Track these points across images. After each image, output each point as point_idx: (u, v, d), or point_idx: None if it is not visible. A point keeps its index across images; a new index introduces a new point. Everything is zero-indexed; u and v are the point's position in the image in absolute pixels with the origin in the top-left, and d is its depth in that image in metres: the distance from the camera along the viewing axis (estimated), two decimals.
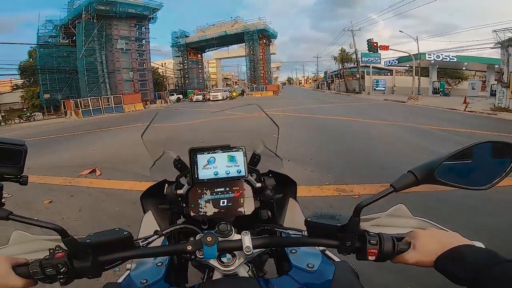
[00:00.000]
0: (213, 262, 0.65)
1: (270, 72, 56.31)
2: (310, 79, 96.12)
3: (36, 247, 0.67)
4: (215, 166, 0.85)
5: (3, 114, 23.80)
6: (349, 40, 37.37)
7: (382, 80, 36.37)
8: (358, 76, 37.67)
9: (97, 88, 25.56)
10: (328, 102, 23.33)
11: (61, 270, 0.53)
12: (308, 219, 0.61)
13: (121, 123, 14.11)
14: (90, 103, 21.99)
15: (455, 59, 28.62)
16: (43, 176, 4.83)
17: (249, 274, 0.74)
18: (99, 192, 4.06)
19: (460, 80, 34.77)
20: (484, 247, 0.52)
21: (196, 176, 0.84)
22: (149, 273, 0.71)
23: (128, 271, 0.76)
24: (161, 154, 1.07)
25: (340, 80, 45.79)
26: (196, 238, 0.65)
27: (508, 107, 13.71)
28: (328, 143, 6.97)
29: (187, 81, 46.63)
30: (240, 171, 0.86)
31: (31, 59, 28.34)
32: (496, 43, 15.38)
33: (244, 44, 48.56)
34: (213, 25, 50.80)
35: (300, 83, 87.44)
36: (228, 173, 0.85)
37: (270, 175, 0.99)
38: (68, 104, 22.16)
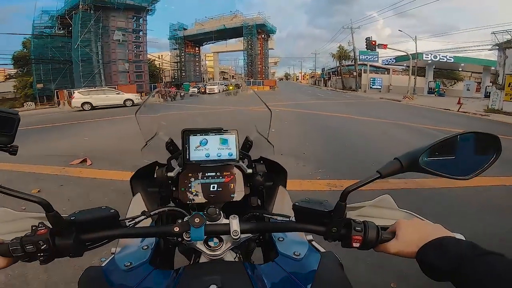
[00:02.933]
0: (200, 246, 0.65)
1: (268, 67, 56.13)
2: (307, 75, 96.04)
3: (20, 225, 0.65)
4: (207, 148, 0.85)
5: None
6: (346, 38, 37.55)
7: (378, 79, 36.59)
8: (355, 73, 37.77)
9: (91, 79, 25.24)
10: (325, 98, 23.39)
11: (42, 248, 0.52)
12: (296, 203, 0.61)
13: (114, 114, 13.91)
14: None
15: (452, 60, 28.83)
16: (33, 166, 4.76)
17: (235, 260, 0.74)
18: (89, 181, 4.02)
19: (455, 81, 35.04)
20: (464, 238, 0.52)
21: (187, 157, 0.84)
22: (134, 256, 0.69)
23: (113, 255, 0.74)
24: (154, 134, 1.05)
25: (337, 77, 45.83)
26: (184, 220, 0.63)
27: (501, 109, 13.90)
28: (322, 138, 7.01)
29: (183, 74, 46.16)
30: (232, 154, 0.86)
31: (25, 50, 27.81)
32: (494, 45, 15.49)
33: (242, 38, 48.20)
34: (212, 18, 50.36)
35: (297, 79, 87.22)
36: (219, 156, 0.85)
37: (262, 161, 0.99)
38: (61, 94, 21.81)
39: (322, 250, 0.76)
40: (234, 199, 0.87)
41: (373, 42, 27.81)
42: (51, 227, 0.53)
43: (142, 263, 0.66)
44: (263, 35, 49.08)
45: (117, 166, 4.65)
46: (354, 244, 0.57)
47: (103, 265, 0.68)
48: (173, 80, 44.73)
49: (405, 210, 0.72)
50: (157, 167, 0.94)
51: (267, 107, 1.13)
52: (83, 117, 13.48)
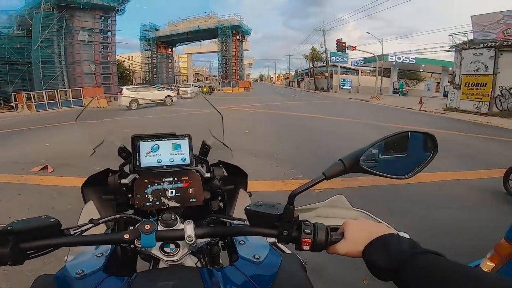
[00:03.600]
0: (155, 252, 0.64)
1: (243, 69, 56.08)
2: (281, 76, 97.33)
3: None
4: (159, 153, 0.83)
5: None
6: (319, 40, 38.49)
7: (348, 80, 37.96)
8: (327, 74, 38.80)
9: (53, 81, 23.52)
10: (298, 99, 23.89)
11: None
12: (247, 207, 0.61)
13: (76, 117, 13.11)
14: (45, 96, 20.16)
15: (414, 61, 30.62)
16: None
17: (197, 265, 0.73)
18: (51, 189, 3.77)
19: (417, 81, 37.32)
20: (408, 237, 0.53)
21: (138, 164, 0.82)
22: (87, 264, 0.67)
23: (65, 264, 0.72)
24: (101, 141, 1.02)
25: (310, 78, 46.88)
26: (135, 227, 0.62)
27: (458, 107, 14.98)
28: (295, 139, 7.14)
29: (155, 76, 44.73)
30: (185, 159, 0.84)
31: None
32: (451, 46, 16.20)
33: (217, 39, 47.75)
34: (185, 19, 49.27)
35: (271, 80, 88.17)
36: (172, 161, 0.84)
37: (220, 165, 0.97)
38: (20, 97, 20.08)
39: (287, 251, 0.76)
40: (193, 204, 0.85)
41: (343, 44, 28.87)
42: None
43: (96, 271, 0.65)
44: (238, 37, 48.90)
45: (81, 173, 4.39)
46: (304, 247, 0.57)
47: (55, 273, 0.66)
48: (144, 81, 43.19)
49: (358, 209, 0.73)
50: (110, 174, 0.90)
51: (217, 111, 1.13)
52: (42, 121, 12.49)
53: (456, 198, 3.50)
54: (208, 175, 0.90)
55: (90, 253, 0.74)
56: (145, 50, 45.47)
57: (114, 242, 0.71)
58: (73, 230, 0.63)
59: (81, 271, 0.64)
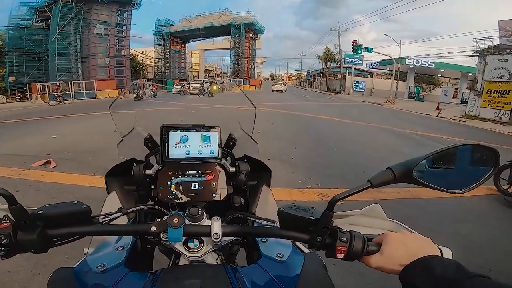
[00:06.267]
0: (179, 247, 0.62)
1: (254, 67, 55.93)
2: (292, 76, 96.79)
3: None
4: (188, 145, 0.82)
5: None
6: (332, 41, 38.21)
7: (362, 82, 37.46)
8: (340, 76, 38.35)
9: (67, 73, 23.92)
10: (310, 100, 23.59)
11: (3, 242, 0.49)
12: (281, 209, 0.58)
13: (89, 109, 13.10)
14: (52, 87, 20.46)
15: (433, 65, 29.72)
16: None
17: (217, 263, 0.71)
18: (50, 187, 3.56)
19: (434, 86, 36.35)
20: (451, 254, 0.52)
21: (166, 154, 0.81)
22: (108, 258, 0.65)
23: (85, 256, 0.68)
24: (130, 130, 1.02)
25: (322, 79, 46.46)
26: (162, 220, 0.59)
27: (478, 115, 14.37)
28: (309, 142, 6.84)
29: (167, 71, 44.98)
30: (213, 152, 0.83)
31: (0, 42, 26.06)
32: (474, 52, 15.70)
33: (229, 36, 47.64)
34: (200, 15, 49.34)
35: (282, 79, 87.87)
36: (200, 153, 0.83)
37: (245, 160, 0.96)
38: (35, 87, 20.42)
39: (306, 251, 0.72)
40: (216, 199, 0.83)
41: (360, 45, 28.23)
42: (14, 220, 0.50)
43: (117, 265, 0.62)
44: (251, 34, 48.73)
45: (85, 169, 4.22)
46: (338, 255, 0.54)
47: (74, 266, 0.64)
48: (156, 76, 43.54)
49: (394, 221, 0.68)
50: (134, 164, 0.89)
51: (252, 103, 1.08)
52: (57, 111, 12.56)
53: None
54: (233, 169, 0.89)
55: (111, 246, 0.71)
56: (158, 45, 45.73)
57: (140, 234, 0.71)
58: (101, 218, 0.62)
59: (102, 265, 0.61)
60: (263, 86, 45.75)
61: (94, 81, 22.98)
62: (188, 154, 0.82)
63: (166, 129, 0.81)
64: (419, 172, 0.55)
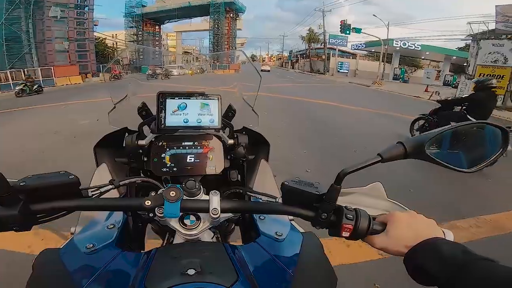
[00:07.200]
0: (174, 224, 0.57)
1: (235, 48, 53.60)
2: (274, 57, 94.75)
3: None
4: (186, 112, 0.76)
5: None
6: (314, 22, 37.41)
7: (346, 63, 37.48)
8: (324, 57, 37.94)
9: (19, 60, 21.22)
10: (297, 82, 22.43)
11: None
12: (285, 182, 0.54)
13: (44, 100, 11.21)
14: (9, 76, 17.89)
15: (420, 48, 29.70)
16: None
17: (214, 241, 0.69)
18: None
19: (415, 68, 36.48)
20: (453, 236, 0.50)
21: (163, 122, 0.75)
22: (97, 237, 0.60)
23: (72, 235, 0.63)
24: (124, 97, 0.98)
25: (306, 60, 46.04)
26: (158, 193, 0.55)
27: None
28: (304, 131, 5.86)
29: (141, 56, 41.91)
30: (213, 121, 0.78)
31: None
32: (467, 35, 15.66)
33: (208, 17, 44.73)
34: None
35: (263, 61, 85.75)
36: (199, 122, 0.78)
37: (244, 132, 0.92)
38: None
39: (301, 229, 0.69)
40: (212, 172, 0.80)
41: (349, 25, 27.09)
42: None
43: (107, 245, 0.58)
44: (231, 14, 46.11)
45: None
46: (344, 234, 0.52)
47: (60, 247, 0.58)
48: (132, 62, 40.51)
49: (394, 201, 0.66)
50: (126, 134, 0.84)
51: (257, 72, 1.07)
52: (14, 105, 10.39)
53: None
54: (231, 141, 0.85)
55: (100, 224, 0.67)
56: (130, 27, 42.34)
57: (134, 209, 0.67)
58: (91, 191, 0.57)
59: (91, 245, 0.57)
60: (241, 69, 45.11)
61: (52, 67, 20.40)
62: (186, 122, 0.76)
63: (163, 96, 0.75)
64: (431, 148, 0.52)
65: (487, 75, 13.48)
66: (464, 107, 4.99)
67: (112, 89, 0.95)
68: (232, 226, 0.85)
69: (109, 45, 35.51)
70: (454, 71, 29.14)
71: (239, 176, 0.89)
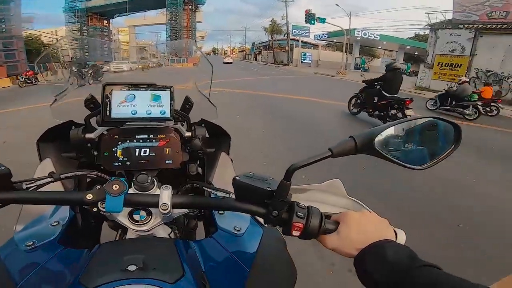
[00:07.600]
0: (122, 219, 0.56)
1: (195, 42, 50.90)
2: (236, 50, 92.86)
3: None
4: (134, 104, 0.69)
5: None
6: (276, 14, 36.86)
7: (309, 54, 37.81)
8: (287, 48, 37.74)
9: None
10: (261, 74, 21.41)
11: None
12: (236, 177, 0.51)
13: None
14: None
15: (379, 38, 30.47)
16: None
17: (170, 237, 0.65)
18: None
19: (372, 57, 37.81)
20: (405, 236, 0.50)
21: (108, 114, 0.67)
22: (39, 234, 0.58)
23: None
24: (64, 88, 0.94)
25: (269, 51, 45.66)
26: (101, 187, 0.51)
27: (429, 87, 14.46)
28: (272, 135, 4.69)
29: (87, 53, 37.74)
30: (164, 112, 0.71)
31: None
32: (425, 25, 15.82)
33: (165, 9, 41.53)
34: None
35: (225, 53, 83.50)
36: (149, 114, 0.70)
37: (202, 124, 0.89)
38: None
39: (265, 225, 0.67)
40: (169, 166, 0.76)
41: (313, 15, 26.35)
42: None
43: (49, 242, 0.56)
44: (190, 6, 43.26)
45: None
46: (294, 233, 0.49)
47: (1, 246, 0.57)
48: (74, 60, 36.22)
49: (353, 199, 0.64)
50: (72, 127, 0.79)
51: (209, 62, 1.05)
52: None
53: None
54: (188, 134, 0.82)
55: (43, 222, 0.65)
56: (71, 22, 37.87)
57: (74, 203, 0.65)
58: (26, 184, 0.52)
59: (31, 242, 0.55)
60: (200, 63, 43.22)
61: None
62: (135, 114, 0.69)
63: (109, 87, 0.68)
64: (380, 144, 0.51)
65: (445, 64, 13.99)
66: (379, 85, 6.25)
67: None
68: (194, 222, 0.83)
69: (46, 42, 31.27)
70: (406, 60, 30.60)
71: (199, 169, 0.86)
